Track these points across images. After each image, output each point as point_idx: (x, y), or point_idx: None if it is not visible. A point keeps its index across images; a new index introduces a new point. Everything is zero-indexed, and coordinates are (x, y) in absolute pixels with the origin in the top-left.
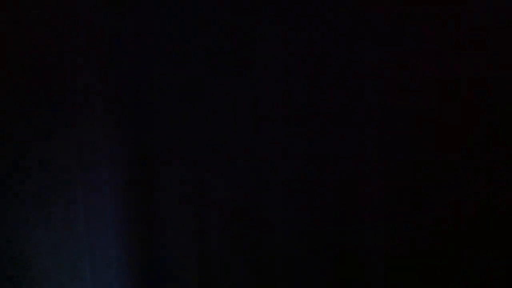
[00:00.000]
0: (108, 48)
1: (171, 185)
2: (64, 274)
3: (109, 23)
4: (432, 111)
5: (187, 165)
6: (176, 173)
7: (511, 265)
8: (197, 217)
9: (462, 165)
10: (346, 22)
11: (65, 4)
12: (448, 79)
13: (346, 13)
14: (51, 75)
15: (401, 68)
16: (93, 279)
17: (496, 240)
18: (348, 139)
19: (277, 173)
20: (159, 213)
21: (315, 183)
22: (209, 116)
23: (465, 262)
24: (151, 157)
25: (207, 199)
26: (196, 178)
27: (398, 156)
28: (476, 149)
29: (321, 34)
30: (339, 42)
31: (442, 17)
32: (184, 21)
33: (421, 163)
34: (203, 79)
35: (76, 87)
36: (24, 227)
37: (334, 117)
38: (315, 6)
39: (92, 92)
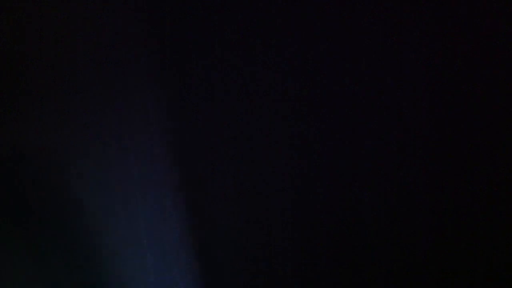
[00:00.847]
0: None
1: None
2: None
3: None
4: (432, 110)
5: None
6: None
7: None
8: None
9: (462, 165)
10: (345, 22)
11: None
12: (447, 79)
13: (345, 13)
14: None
15: (400, 68)
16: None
17: (496, 240)
18: (348, 138)
19: (277, 173)
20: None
21: (315, 183)
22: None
23: (465, 261)
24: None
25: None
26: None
27: (398, 155)
28: (476, 148)
29: (320, 33)
30: (338, 42)
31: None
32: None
33: (421, 162)
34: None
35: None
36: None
37: (334, 117)
38: (315, 6)
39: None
